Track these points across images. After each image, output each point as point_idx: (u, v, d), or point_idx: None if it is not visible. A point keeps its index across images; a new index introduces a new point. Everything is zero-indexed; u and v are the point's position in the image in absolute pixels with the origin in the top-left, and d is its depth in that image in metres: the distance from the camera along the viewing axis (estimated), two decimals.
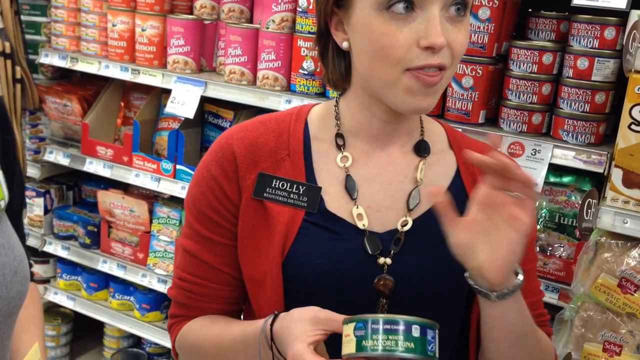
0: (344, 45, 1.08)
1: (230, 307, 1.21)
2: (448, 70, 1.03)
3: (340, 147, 1.14)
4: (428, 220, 1.12)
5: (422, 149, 1.17)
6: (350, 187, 1.12)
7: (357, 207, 1.11)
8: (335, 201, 1.11)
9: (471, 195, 1.00)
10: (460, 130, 1.84)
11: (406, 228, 1.11)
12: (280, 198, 1.10)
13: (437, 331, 0.92)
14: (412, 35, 0.98)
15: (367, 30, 1.01)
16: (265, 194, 1.11)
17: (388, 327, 0.89)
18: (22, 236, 1.26)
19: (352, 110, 1.14)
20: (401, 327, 0.89)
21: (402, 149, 1.16)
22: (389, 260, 1.09)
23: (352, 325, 0.91)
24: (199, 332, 1.18)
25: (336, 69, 1.14)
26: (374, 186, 1.13)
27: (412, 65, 0.99)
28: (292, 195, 1.11)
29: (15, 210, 1.23)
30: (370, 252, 1.09)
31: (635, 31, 1.55)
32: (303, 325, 0.96)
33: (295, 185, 1.11)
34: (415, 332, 0.89)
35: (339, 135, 1.15)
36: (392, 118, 1.12)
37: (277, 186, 1.11)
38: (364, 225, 1.10)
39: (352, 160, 1.14)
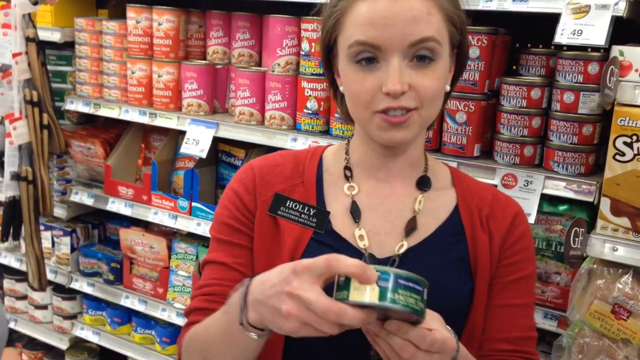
0: (341, 89, 1.23)
1: None
2: (422, 109, 1.14)
3: (348, 178, 1.28)
4: (424, 247, 1.23)
5: (423, 183, 1.29)
6: (354, 212, 1.24)
7: (360, 229, 1.23)
8: (340, 224, 1.24)
9: None
10: (456, 163, 1.93)
11: (402, 251, 1.22)
12: (292, 217, 1.24)
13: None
14: (376, 82, 1.12)
15: (346, 78, 1.17)
16: (279, 212, 1.24)
17: (411, 285, 0.89)
18: None
19: (356, 145, 1.29)
20: (417, 286, 0.90)
21: (405, 182, 1.28)
22: None
23: (377, 273, 0.89)
24: (199, 324, 1.21)
25: (342, 108, 1.30)
26: (376, 213, 1.25)
27: (377, 108, 1.13)
28: (303, 216, 1.24)
29: None
30: None
31: (612, 66, 1.62)
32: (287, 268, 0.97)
33: (307, 207, 1.24)
34: (425, 295, 0.93)
35: (347, 167, 1.29)
36: (387, 151, 1.25)
37: (290, 206, 1.24)
38: (364, 245, 1.22)
39: (358, 189, 1.27)
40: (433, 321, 1.00)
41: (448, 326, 1.05)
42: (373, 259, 1.20)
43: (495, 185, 1.88)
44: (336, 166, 1.30)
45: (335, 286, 0.92)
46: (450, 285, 1.21)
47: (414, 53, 1.11)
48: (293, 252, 1.21)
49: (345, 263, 0.91)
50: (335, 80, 1.26)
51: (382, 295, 0.88)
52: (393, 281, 0.89)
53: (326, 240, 1.22)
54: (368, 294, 0.88)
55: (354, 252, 1.21)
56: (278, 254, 1.21)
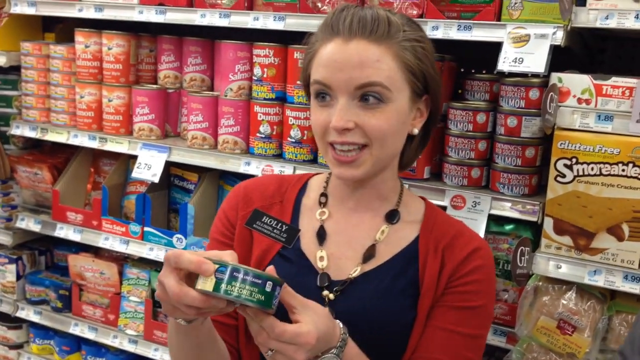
0: None
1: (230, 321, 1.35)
2: (372, 148, 1.22)
3: (322, 204, 1.38)
4: (377, 272, 1.30)
5: (391, 217, 1.35)
6: (320, 235, 1.34)
7: (322, 251, 1.32)
8: (307, 244, 1.34)
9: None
10: (407, 185, 1.98)
11: (354, 274, 1.29)
12: (265, 231, 1.35)
13: (281, 289, 1.05)
14: (328, 117, 1.23)
15: (311, 112, 1.29)
16: (254, 225, 1.35)
17: (249, 279, 1.02)
18: None
19: (332, 177, 1.39)
20: (257, 280, 1.02)
21: (374, 214, 1.35)
22: (331, 295, 1.27)
23: (215, 267, 1.02)
24: None
25: None
26: (340, 238, 1.34)
27: (329, 140, 1.24)
28: (275, 230, 1.34)
29: None
30: (318, 284, 1.28)
31: (552, 92, 1.71)
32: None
33: (280, 224, 1.35)
34: (268, 287, 1.03)
35: (323, 194, 1.39)
36: (354, 185, 1.33)
37: (265, 221, 1.35)
38: (322, 265, 1.31)
39: (328, 215, 1.36)
40: (305, 314, 1.08)
41: (339, 326, 1.14)
42: (324, 278, 1.29)
43: (445, 207, 1.94)
44: (316, 192, 1.40)
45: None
46: (395, 308, 1.27)
47: (361, 94, 1.20)
48: (259, 263, 1.31)
49: (185, 259, 1.03)
50: None
51: (216, 286, 1.01)
52: (229, 274, 1.01)
53: (291, 256, 1.32)
54: (205, 284, 1.02)
55: (312, 270, 1.31)
56: (248, 265, 1.28)
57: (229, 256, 1.07)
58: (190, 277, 1.06)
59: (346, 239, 1.33)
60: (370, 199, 1.35)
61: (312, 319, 1.08)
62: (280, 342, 1.05)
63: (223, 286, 1.01)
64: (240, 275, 1.02)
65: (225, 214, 1.40)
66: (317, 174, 1.47)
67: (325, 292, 1.27)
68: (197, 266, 1.03)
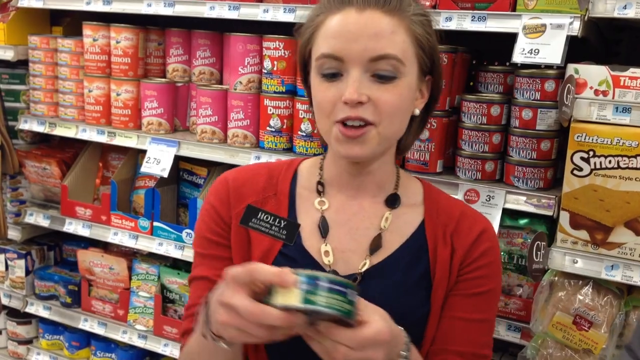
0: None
1: None
2: (380, 125, 1.16)
3: (320, 193, 1.30)
4: (387, 264, 1.25)
5: (392, 201, 1.30)
6: (323, 227, 1.27)
7: (326, 245, 1.25)
8: (308, 239, 1.26)
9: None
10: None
11: (364, 268, 1.24)
12: (263, 228, 1.26)
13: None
14: (337, 92, 1.15)
15: (314, 90, 1.22)
16: (250, 223, 1.26)
17: (334, 287, 0.93)
18: None
19: (329, 162, 1.32)
20: (341, 288, 0.94)
21: (374, 200, 1.30)
22: None
23: (296, 277, 0.93)
24: (188, 344, 1.24)
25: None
26: (342, 230, 1.27)
27: (337, 117, 1.16)
28: (273, 228, 1.26)
29: None
30: None
31: (569, 84, 1.68)
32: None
33: (277, 219, 1.26)
34: (351, 295, 0.96)
35: (319, 183, 1.31)
36: (353, 169, 1.27)
37: (261, 218, 1.26)
38: (329, 261, 1.24)
39: (328, 205, 1.29)
40: (371, 312, 1.01)
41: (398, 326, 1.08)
42: (336, 275, 1.20)
43: None
44: (310, 180, 1.33)
45: (268, 293, 0.97)
46: (411, 302, 1.24)
47: (375, 68, 1.14)
48: None
49: (264, 272, 0.96)
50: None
51: (303, 298, 0.92)
52: (313, 284, 0.93)
53: (293, 254, 1.25)
54: (290, 297, 0.92)
55: (318, 268, 1.23)
56: None
57: (284, 268, 0.98)
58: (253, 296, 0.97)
59: (348, 230, 1.27)
60: (370, 185, 1.29)
61: (379, 315, 1.03)
62: (362, 350, 0.97)
63: (311, 297, 0.91)
64: (325, 284, 0.93)
65: (216, 210, 1.30)
66: (305, 159, 1.39)
67: None
68: (279, 277, 0.94)
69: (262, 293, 0.96)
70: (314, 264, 1.24)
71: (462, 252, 1.27)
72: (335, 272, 1.23)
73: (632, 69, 1.67)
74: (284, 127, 2.22)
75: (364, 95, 1.13)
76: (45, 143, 2.95)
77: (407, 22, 1.16)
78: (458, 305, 1.26)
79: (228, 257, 1.28)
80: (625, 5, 1.66)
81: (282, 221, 1.26)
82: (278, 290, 0.93)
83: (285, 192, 1.30)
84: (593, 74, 1.71)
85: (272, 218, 1.26)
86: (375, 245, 1.26)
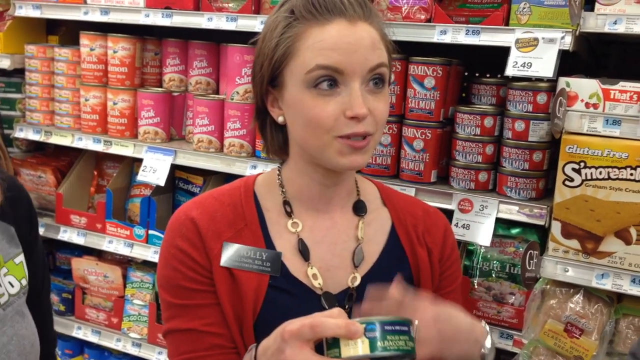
0: (280, 119, 1.22)
1: None
2: (376, 134, 1.17)
3: (289, 214, 1.25)
4: (373, 274, 1.25)
5: (359, 209, 1.29)
6: (303, 250, 1.23)
7: (312, 268, 1.22)
8: (292, 265, 1.22)
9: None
10: (414, 189, 1.99)
11: (356, 284, 1.23)
12: (246, 265, 1.19)
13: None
14: (338, 107, 1.12)
15: (299, 106, 1.15)
16: (233, 262, 1.19)
17: (398, 328, 0.93)
18: (45, 323, 1.33)
19: (293, 177, 1.26)
20: (404, 328, 0.94)
21: (343, 210, 1.28)
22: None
23: (362, 326, 0.92)
24: None
25: (275, 141, 1.28)
26: (321, 248, 1.25)
27: (341, 133, 1.13)
28: (256, 262, 1.20)
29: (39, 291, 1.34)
30: (325, 306, 1.19)
31: (561, 97, 1.72)
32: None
33: (258, 252, 1.20)
34: (412, 331, 0.96)
35: (286, 202, 1.26)
36: (329, 180, 1.24)
37: (242, 254, 1.20)
38: (319, 284, 1.21)
39: (301, 225, 1.25)
40: (457, 311, 1.10)
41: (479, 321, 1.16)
42: (329, 297, 1.21)
43: (452, 210, 1.95)
44: (273, 201, 1.27)
45: (325, 344, 0.95)
46: None
47: (370, 78, 1.14)
48: (254, 304, 1.18)
49: (329, 326, 0.93)
50: (268, 111, 1.24)
51: (372, 346, 0.91)
52: (380, 329, 0.92)
53: (283, 285, 1.21)
54: (359, 348, 0.91)
55: (311, 293, 1.21)
56: (241, 307, 1.18)
57: (340, 313, 0.96)
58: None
59: (327, 247, 1.25)
60: (341, 195, 1.27)
61: (462, 312, 1.11)
62: None
63: (379, 344, 0.91)
64: (390, 327, 0.92)
65: (189, 256, 1.19)
66: (257, 175, 1.32)
67: None
68: (347, 330, 0.92)
69: (318, 341, 0.95)
70: (306, 290, 1.21)
71: (437, 250, 1.30)
72: (327, 293, 1.21)
73: (622, 83, 1.72)
74: None
75: (367, 109, 1.13)
76: (40, 151, 2.96)
77: (381, 28, 1.18)
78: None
79: (213, 303, 1.19)
80: (616, 21, 1.71)
81: (263, 253, 1.20)
82: (342, 340, 0.92)
83: (255, 220, 1.24)
84: (584, 87, 1.76)
85: (252, 252, 1.20)
86: (358, 258, 1.25)
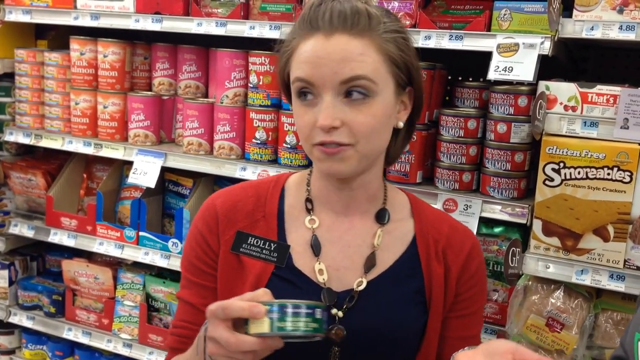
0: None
1: None
2: (357, 145, 1.17)
3: (309, 211, 1.31)
4: (382, 282, 1.27)
5: (381, 217, 1.31)
6: (315, 246, 1.27)
7: (319, 264, 1.27)
8: (301, 259, 1.27)
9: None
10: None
11: (361, 288, 1.26)
12: (254, 253, 1.28)
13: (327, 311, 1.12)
14: (312, 117, 1.18)
15: (294, 114, 1.24)
16: (241, 249, 1.28)
17: (299, 311, 1.07)
18: None
19: (316, 179, 1.33)
20: (308, 310, 1.07)
21: (363, 216, 1.31)
22: (340, 313, 1.23)
23: (265, 308, 1.06)
24: None
25: None
26: (335, 247, 1.28)
27: (314, 141, 1.19)
28: (264, 251, 1.27)
29: None
30: (325, 301, 1.23)
31: (541, 100, 1.79)
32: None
33: (267, 243, 1.28)
34: (318, 314, 1.08)
35: (308, 200, 1.32)
36: (343, 185, 1.27)
37: (252, 243, 1.28)
38: (323, 279, 1.25)
39: (318, 223, 1.30)
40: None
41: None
42: (331, 294, 1.24)
43: None
44: (298, 198, 1.33)
45: (244, 322, 1.09)
46: (406, 319, 1.27)
47: (346, 90, 1.15)
48: (255, 288, 1.21)
49: (235, 308, 1.06)
50: None
51: (272, 325, 1.06)
52: (279, 311, 1.06)
53: (287, 275, 1.26)
54: (260, 326, 1.06)
55: (313, 286, 1.25)
56: (241, 291, 1.22)
57: (264, 294, 1.10)
58: (235, 325, 1.08)
59: (341, 248, 1.28)
60: (360, 200, 1.29)
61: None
62: None
63: (278, 324, 1.05)
64: (290, 310, 1.06)
65: (205, 238, 1.31)
66: (292, 173, 1.40)
67: (334, 310, 1.23)
68: (250, 311, 1.05)
69: (241, 322, 1.08)
70: (309, 283, 1.25)
71: (457, 269, 1.30)
72: (330, 290, 1.25)
73: (599, 86, 1.79)
74: (269, 139, 2.30)
75: (337, 120, 1.14)
76: (29, 154, 2.98)
77: (377, 41, 1.17)
78: (459, 325, 1.31)
79: (214, 287, 1.31)
80: (593, 27, 1.78)
81: (272, 244, 1.28)
82: (250, 320, 1.06)
83: (274, 213, 1.31)
84: (563, 90, 1.82)
85: (262, 242, 1.28)
86: (370, 264, 1.27)
